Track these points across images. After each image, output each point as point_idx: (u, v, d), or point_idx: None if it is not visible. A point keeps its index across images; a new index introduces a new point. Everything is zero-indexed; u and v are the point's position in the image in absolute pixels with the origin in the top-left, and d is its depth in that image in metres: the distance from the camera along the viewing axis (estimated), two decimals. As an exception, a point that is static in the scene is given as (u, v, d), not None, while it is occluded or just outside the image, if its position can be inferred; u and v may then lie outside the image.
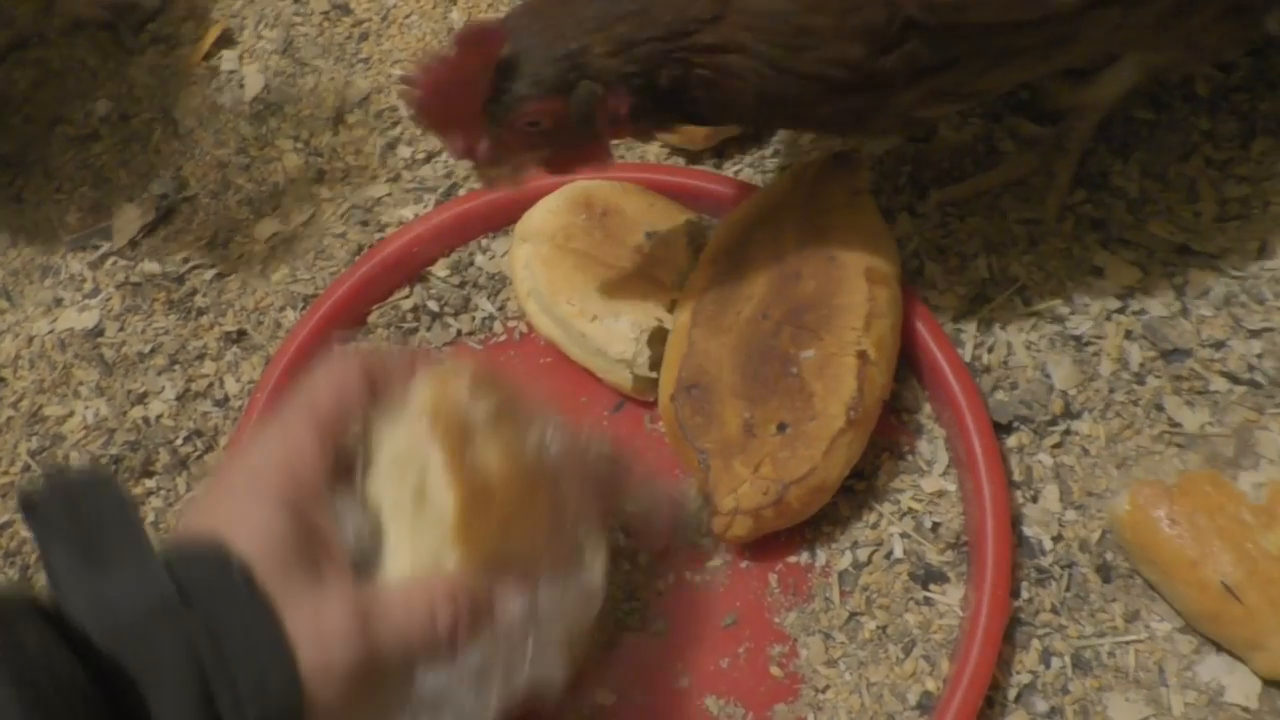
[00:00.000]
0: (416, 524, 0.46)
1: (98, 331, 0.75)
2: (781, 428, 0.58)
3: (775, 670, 0.58)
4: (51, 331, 0.76)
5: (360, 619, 0.42)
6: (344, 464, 0.47)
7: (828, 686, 0.58)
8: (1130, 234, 0.66)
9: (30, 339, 0.76)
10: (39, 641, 0.35)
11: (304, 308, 0.73)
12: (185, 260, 0.77)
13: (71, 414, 0.72)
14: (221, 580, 0.39)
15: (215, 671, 0.37)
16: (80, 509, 0.40)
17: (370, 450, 0.48)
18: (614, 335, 0.63)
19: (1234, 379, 0.61)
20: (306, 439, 0.45)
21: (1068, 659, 0.57)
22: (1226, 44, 0.58)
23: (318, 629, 0.40)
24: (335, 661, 0.40)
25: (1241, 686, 0.55)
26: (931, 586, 0.59)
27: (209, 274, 0.76)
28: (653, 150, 0.75)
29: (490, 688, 0.47)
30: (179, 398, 0.71)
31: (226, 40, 0.86)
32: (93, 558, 0.39)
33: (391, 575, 0.45)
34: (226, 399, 0.71)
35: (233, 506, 0.43)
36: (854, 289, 0.59)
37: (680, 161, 0.74)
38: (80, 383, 0.73)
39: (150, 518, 0.66)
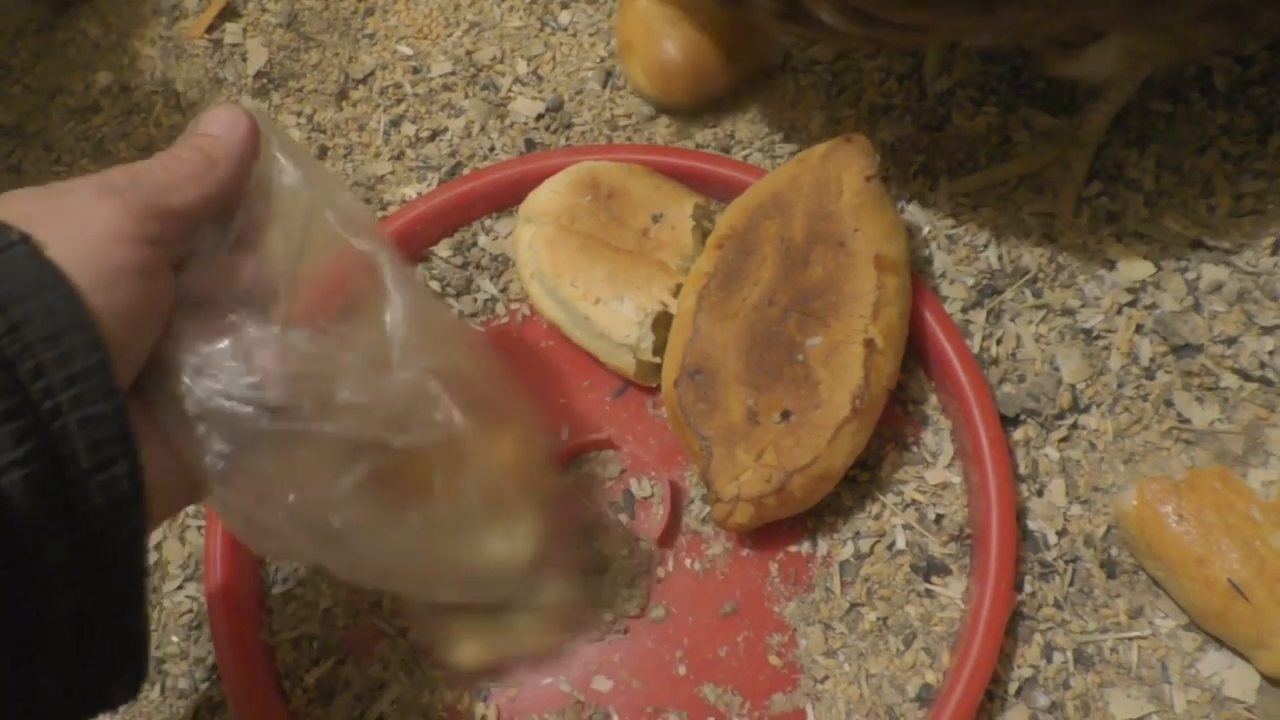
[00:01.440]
0: None
1: (95, 305, 0.74)
2: (785, 415, 0.57)
3: (774, 660, 0.58)
4: (49, 304, 0.75)
5: (125, 205, 0.37)
6: None
7: (826, 677, 0.57)
8: (1144, 227, 0.65)
9: (27, 311, 0.75)
10: None
11: (304, 285, 0.72)
12: (185, 235, 0.76)
13: None
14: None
15: (10, 348, 0.33)
16: None
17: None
18: (618, 319, 0.62)
19: (1245, 376, 0.61)
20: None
21: (1070, 654, 0.56)
22: (1218, 43, 0.56)
23: (88, 237, 0.36)
24: (111, 261, 0.36)
25: (1240, 682, 0.55)
26: (934, 579, 0.59)
27: (209, 249, 0.75)
28: (660, 131, 0.74)
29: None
30: (176, 373, 0.70)
31: (230, 13, 0.85)
32: None
33: None
34: (224, 376, 0.70)
35: (68, 198, 0.38)
36: (863, 276, 0.58)
37: (666, 121, 0.73)
38: (77, 356, 0.72)
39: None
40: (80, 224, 0.37)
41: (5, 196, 0.39)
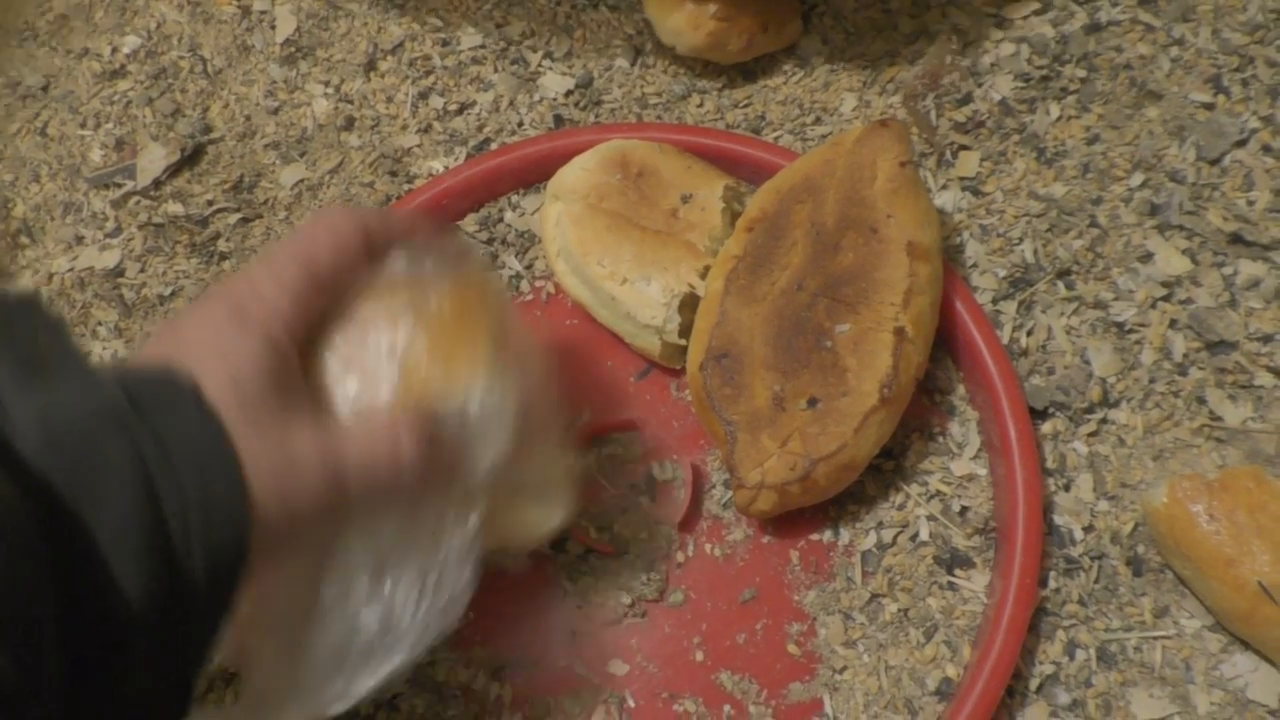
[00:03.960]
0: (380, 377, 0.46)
1: (118, 272, 0.74)
2: (812, 403, 0.56)
3: (792, 648, 0.57)
4: (71, 269, 0.75)
5: (324, 448, 0.41)
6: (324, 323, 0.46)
7: (845, 667, 0.57)
8: (1184, 219, 0.64)
9: (50, 276, 0.75)
10: None
11: (328, 257, 0.72)
12: (209, 203, 0.75)
13: (89, 354, 0.71)
14: (169, 395, 0.38)
15: (161, 475, 0.35)
16: (15, 327, 0.38)
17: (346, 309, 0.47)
18: (644, 300, 0.61)
19: (1280, 374, 0.60)
20: (301, 285, 0.44)
21: (1093, 652, 0.56)
22: None
23: (279, 453, 0.39)
24: (295, 488, 0.40)
25: (1265, 686, 0.54)
26: (957, 571, 0.58)
27: (233, 218, 0.74)
28: (691, 111, 0.73)
29: (449, 547, 0.46)
30: (198, 342, 0.70)
31: (259, -20, 0.84)
32: (35, 371, 0.36)
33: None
34: (246, 346, 0.70)
35: (213, 333, 0.41)
36: (895, 264, 0.57)
37: (696, 100, 0.72)
38: (99, 323, 0.72)
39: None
40: (234, 362, 0.41)
41: (163, 336, 0.43)
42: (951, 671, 0.56)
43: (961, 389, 0.62)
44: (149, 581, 0.35)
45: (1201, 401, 0.60)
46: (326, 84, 0.79)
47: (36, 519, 0.33)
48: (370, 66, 0.79)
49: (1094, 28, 0.71)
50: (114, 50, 0.83)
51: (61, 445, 0.34)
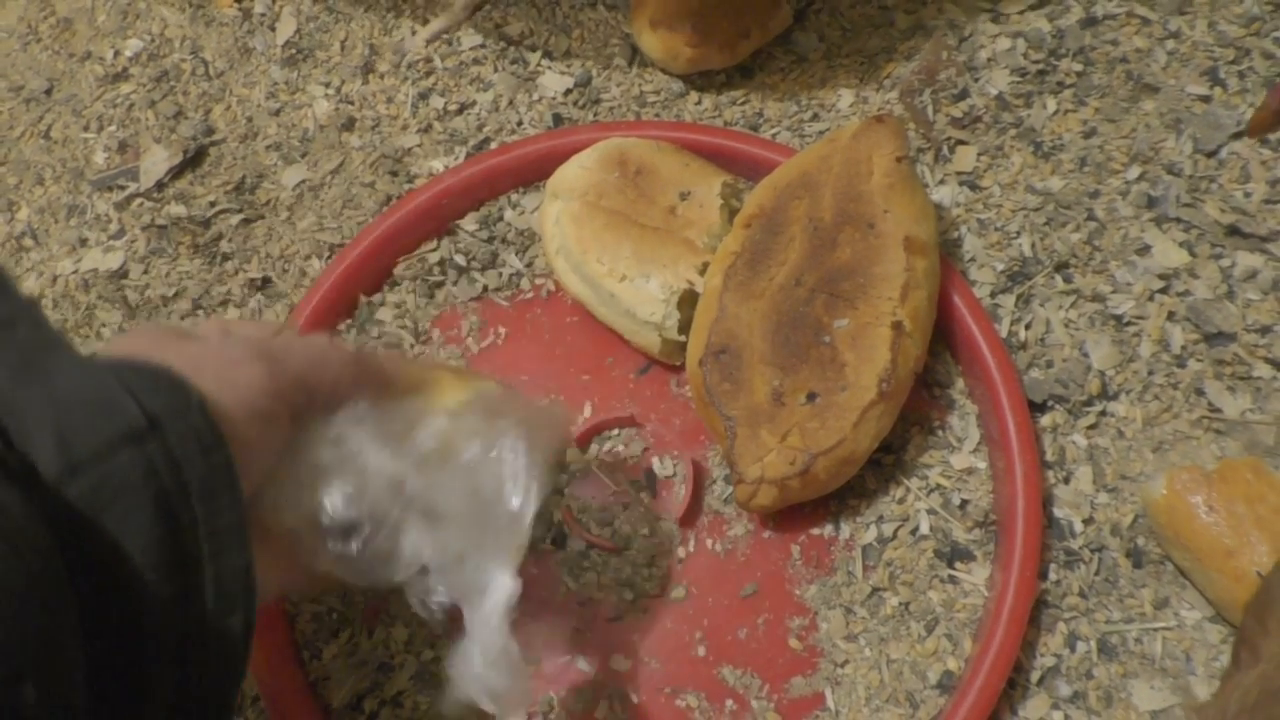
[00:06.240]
0: None
1: (122, 273, 0.74)
2: (811, 397, 0.56)
3: (794, 643, 0.58)
4: (75, 271, 0.75)
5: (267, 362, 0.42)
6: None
7: (847, 661, 0.57)
8: (1181, 212, 0.64)
9: (54, 278, 0.75)
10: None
11: (330, 257, 0.72)
12: (212, 205, 0.76)
13: (93, 356, 0.72)
14: (179, 406, 0.37)
15: (178, 501, 0.35)
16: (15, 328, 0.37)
17: None
18: (643, 296, 0.62)
19: (1278, 366, 0.60)
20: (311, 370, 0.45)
21: (1093, 644, 0.56)
22: None
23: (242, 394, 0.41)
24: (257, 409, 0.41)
25: (1266, 678, 0.54)
26: (957, 565, 0.58)
27: (235, 219, 0.75)
28: (689, 109, 0.73)
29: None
30: (201, 343, 0.70)
31: (259, -18, 0.85)
32: (32, 372, 0.35)
33: None
34: (249, 346, 0.70)
35: (211, 352, 0.42)
36: (892, 258, 0.57)
37: (695, 98, 0.72)
38: (103, 324, 0.73)
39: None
40: (238, 379, 0.41)
41: (172, 343, 0.43)
42: (953, 664, 0.56)
43: (960, 383, 0.62)
44: (166, 598, 0.35)
45: (1200, 393, 0.60)
46: (327, 85, 0.79)
47: (56, 541, 0.32)
48: (370, 68, 0.79)
49: (1090, 21, 0.71)
50: (116, 53, 0.84)
51: (73, 473, 0.34)
